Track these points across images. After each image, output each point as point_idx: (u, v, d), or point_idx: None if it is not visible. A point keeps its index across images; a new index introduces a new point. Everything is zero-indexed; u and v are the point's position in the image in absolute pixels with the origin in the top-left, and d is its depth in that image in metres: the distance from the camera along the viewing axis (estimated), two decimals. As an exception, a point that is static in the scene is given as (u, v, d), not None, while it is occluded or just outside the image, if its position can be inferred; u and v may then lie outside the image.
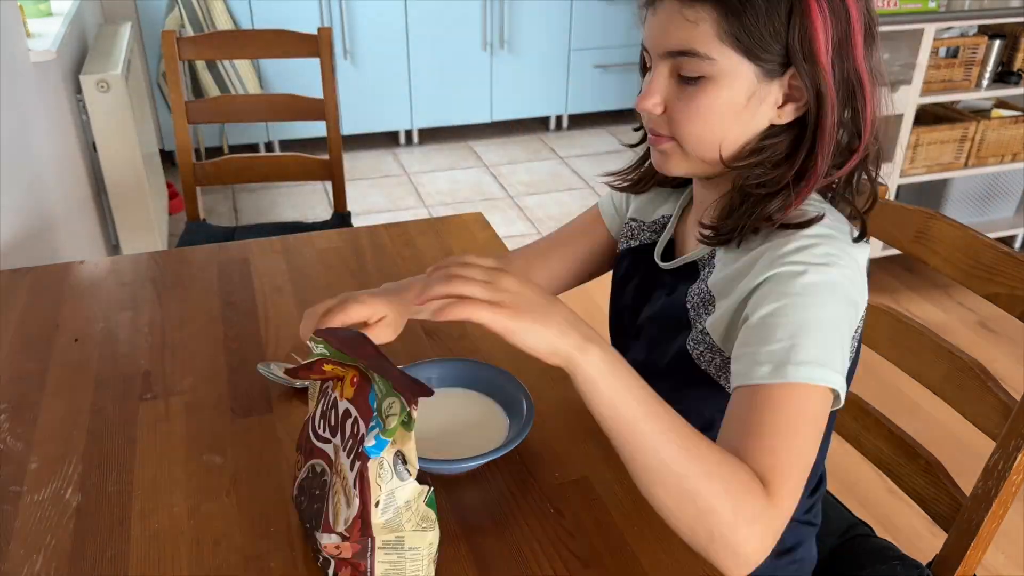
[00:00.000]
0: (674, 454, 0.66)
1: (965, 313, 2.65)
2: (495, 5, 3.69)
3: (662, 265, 0.93)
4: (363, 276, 1.31)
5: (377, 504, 0.69)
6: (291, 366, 0.85)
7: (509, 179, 3.65)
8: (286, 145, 3.76)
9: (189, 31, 3.35)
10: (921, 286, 2.81)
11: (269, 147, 3.77)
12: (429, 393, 0.66)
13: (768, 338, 0.74)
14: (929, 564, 1.01)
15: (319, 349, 0.77)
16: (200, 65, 3.42)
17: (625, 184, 0.99)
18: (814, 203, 0.81)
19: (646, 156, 0.96)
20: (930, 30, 2.39)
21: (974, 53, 2.53)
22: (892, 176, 2.62)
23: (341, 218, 2.12)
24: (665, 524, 0.82)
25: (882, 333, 1.09)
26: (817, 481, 0.98)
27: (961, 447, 1.71)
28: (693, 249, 0.91)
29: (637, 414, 0.66)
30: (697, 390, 0.86)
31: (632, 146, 0.97)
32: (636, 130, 0.94)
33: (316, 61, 1.97)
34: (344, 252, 1.38)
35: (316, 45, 1.95)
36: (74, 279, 1.31)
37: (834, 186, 0.83)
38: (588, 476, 0.89)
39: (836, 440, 1.03)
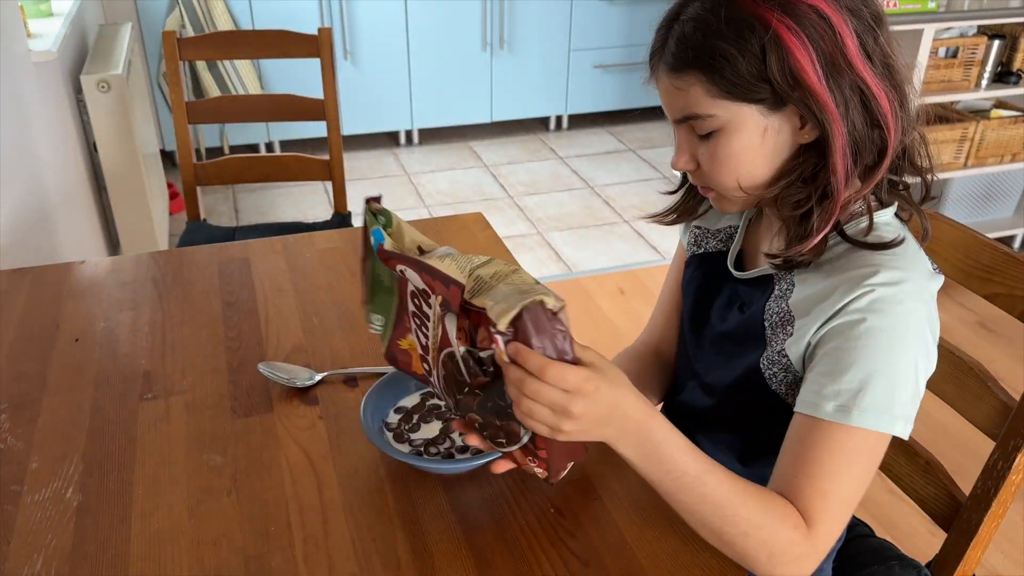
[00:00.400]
0: (708, 517, 0.74)
1: (964, 313, 2.65)
2: (495, 5, 3.69)
3: (736, 274, 0.92)
4: (363, 276, 1.31)
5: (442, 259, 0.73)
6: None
7: (509, 179, 3.65)
8: (286, 145, 3.76)
9: (190, 31, 3.35)
10: (921, 286, 2.81)
11: (269, 147, 3.77)
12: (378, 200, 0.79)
13: (839, 374, 0.76)
14: (929, 564, 1.01)
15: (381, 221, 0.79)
16: (200, 65, 3.42)
17: (670, 220, 0.99)
18: (894, 224, 0.83)
19: (685, 195, 0.97)
20: (930, 30, 2.39)
21: (973, 53, 2.53)
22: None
23: (341, 218, 2.12)
24: (664, 524, 0.83)
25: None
26: None
27: (960, 447, 1.71)
28: (765, 262, 0.90)
29: (671, 488, 0.74)
30: (763, 410, 0.86)
31: (671, 193, 0.99)
32: (684, 178, 0.96)
33: (316, 61, 1.97)
34: (344, 252, 1.38)
35: (316, 45, 1.96)
36: (74, 279, 1.31)
37: (880, 187, 0.82)
38: (588, 476, 0.90)
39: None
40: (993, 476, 0.93)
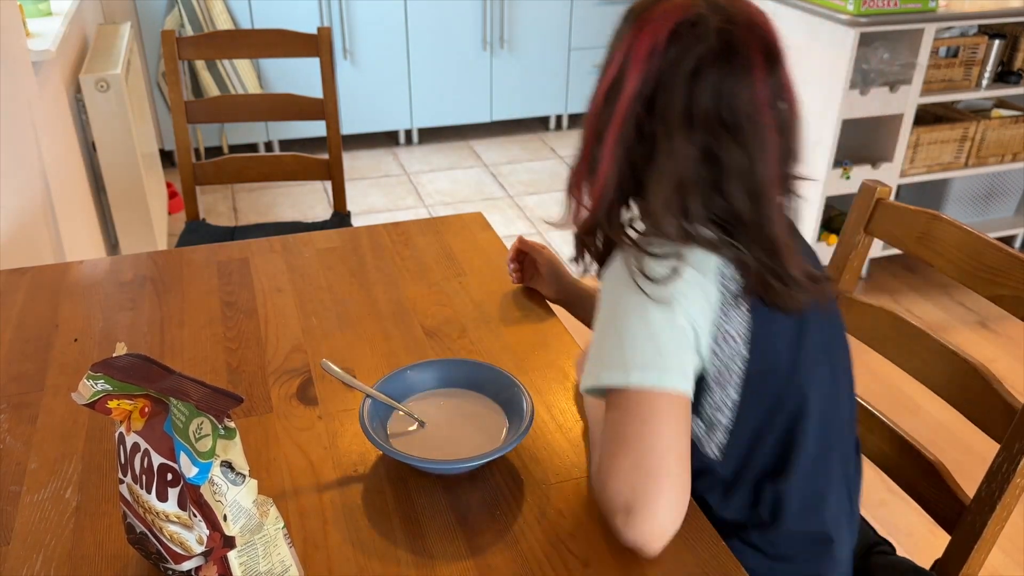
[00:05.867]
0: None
1: (966, 313, 2.65)
2: (495, 5, 3.68)
3: None
4: (363, 276, 1.31)
5: (225, 518, 0.69)
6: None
7: (509, 179, 3.65)
8: (286, 145, 3.76)
9: (189, 31, 3.35)
10: (922, 286, 2.81)
11: (269, 147, 3.76)
12: (239, 401, 0.67)
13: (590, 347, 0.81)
14: (932, 566, 1.01)
15: (99, 386, 0.72)
16: (200, 65, 3.41)
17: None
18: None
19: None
20: (930, 30, 2.39)
21: (974, 53, 2.53)
22: (892, 176, 2.62)
23: (341, 218, 2.12)
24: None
25: (884, 333, 1.08)
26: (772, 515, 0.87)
27: (964, 449, 1.71)
28: None
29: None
30: None
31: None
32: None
33: (316, 61, 1.96)
34: (344, 252, 1.38)
35: (316, 45, 1.95)
36: (73, 279, 1.30)
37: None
38: (588, 476, 0.89)
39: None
40: (997, 479, 0.92)
